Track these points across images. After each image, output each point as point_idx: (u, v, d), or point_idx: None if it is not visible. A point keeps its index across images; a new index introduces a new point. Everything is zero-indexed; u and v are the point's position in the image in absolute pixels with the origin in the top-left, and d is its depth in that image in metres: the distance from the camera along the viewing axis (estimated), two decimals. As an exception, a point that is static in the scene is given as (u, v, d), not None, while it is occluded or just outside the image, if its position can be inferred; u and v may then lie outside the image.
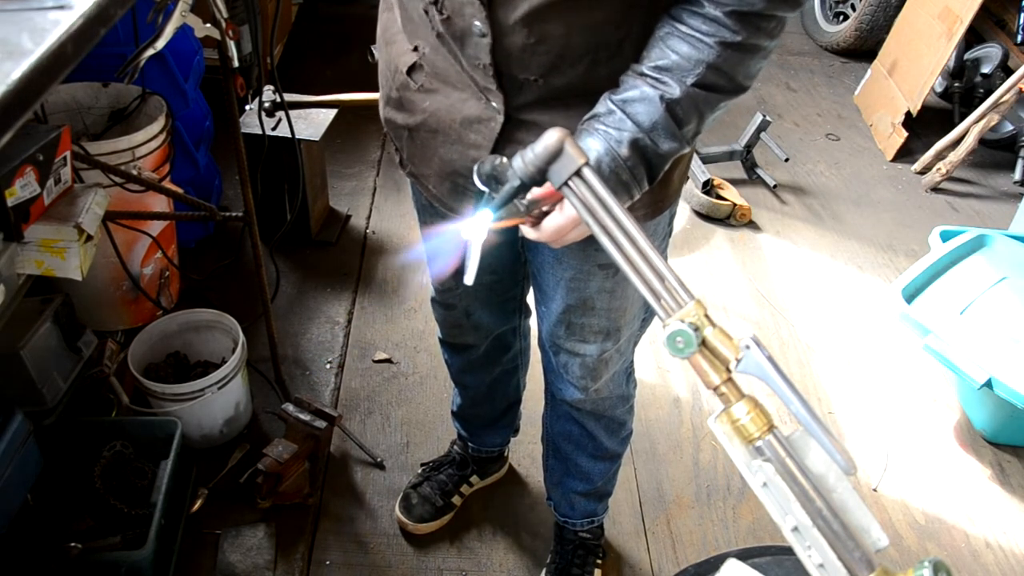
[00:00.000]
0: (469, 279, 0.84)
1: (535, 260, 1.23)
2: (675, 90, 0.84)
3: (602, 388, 1.34)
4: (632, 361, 1.40)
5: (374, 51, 2.32)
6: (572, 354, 1.29)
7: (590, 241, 1.03)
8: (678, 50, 0.84)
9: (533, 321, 1.60)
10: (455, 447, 1.78)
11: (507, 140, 0.98)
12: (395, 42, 1.07)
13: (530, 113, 0.97)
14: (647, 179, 0.89)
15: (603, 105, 0.88)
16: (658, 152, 0.87)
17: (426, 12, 0.94)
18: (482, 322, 1.46)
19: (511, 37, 0.89)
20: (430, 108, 1.03)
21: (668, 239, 1.22)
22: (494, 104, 0.97)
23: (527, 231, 0.91)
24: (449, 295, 1.41)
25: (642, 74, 0.86)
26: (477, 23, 0.88)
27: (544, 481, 1.65)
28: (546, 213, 0.89)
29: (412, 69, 1.03)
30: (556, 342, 1.29)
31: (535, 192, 0.86)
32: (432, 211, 1.25)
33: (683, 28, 0.83)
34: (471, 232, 0.82)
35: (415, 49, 1.02)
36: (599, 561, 1.66)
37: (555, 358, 1.33)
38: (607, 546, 1.74)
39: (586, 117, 0.90)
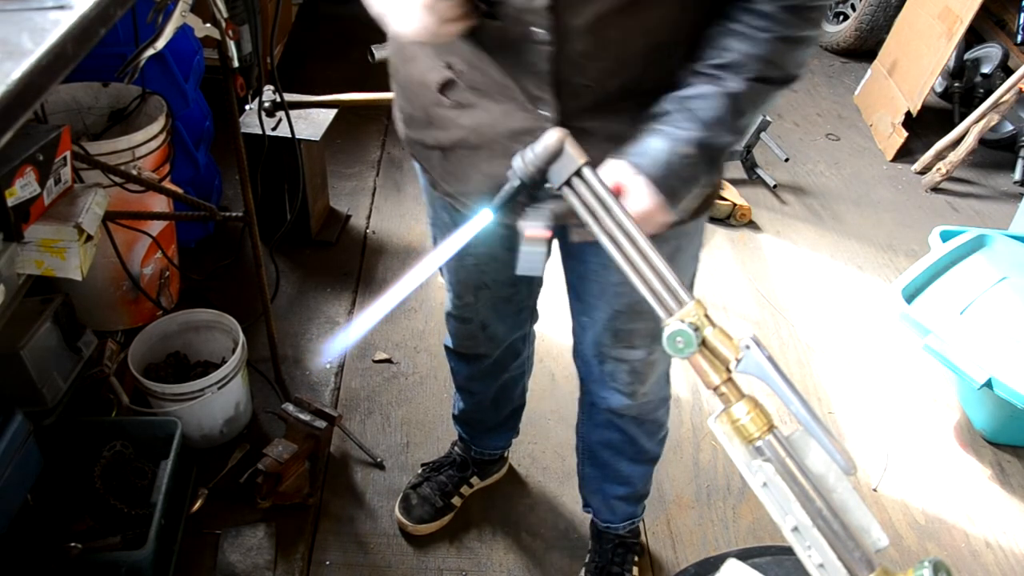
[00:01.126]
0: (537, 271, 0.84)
1: (578, 269, 1.22)
2: (735, 86, 0.86)
3: (648, 391, 1.35)
4: (671, 360, 1.40)
5: (374, 51, 2.32)
6: (619, 361, 1.28)
7: (583, 234, 1.04)
8: (735, 47, 0.86)
9: (544, 327, 1.60)
10: (455, 448, 1.78)
11: None
12: (416, 59, 1.05)
13: (581, 120, 0.95)
14: (707, 175, 0.92)
15: (667, 104, 0.89)
16: (720, 147, 0.89)
17: (473, 29, 0.92)
18: (497, 333, 1.45)
19: (572, 43, 0.89)
20: (470, 124, 1.02)
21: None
22: (543, 112, 0.96)
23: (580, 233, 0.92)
24: (466, 309, 1.40)
25: (702, 72, 0.88)
26: (538, 30, 0.87)
27: (580, 490, 1.65)
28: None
29: (445, 86, 1.01)
30: (602, 351, 1.28)
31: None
32: (455, 229, 1.23)
33: (738, 25, 0.85)
34: (470, 233, 0.82)
35: (448, 67, 1.00)
36: (637, 559, 1.67)
37: (600, 367, 1.32)
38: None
39: (651, 117, 0.91)
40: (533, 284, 1.39)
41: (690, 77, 0.89)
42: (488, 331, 1.44)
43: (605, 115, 0.96)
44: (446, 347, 1.58)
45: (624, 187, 0.88)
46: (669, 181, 0.88)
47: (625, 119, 0.94)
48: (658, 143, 0.88)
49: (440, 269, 1.39)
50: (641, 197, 0.88)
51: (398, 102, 1.15)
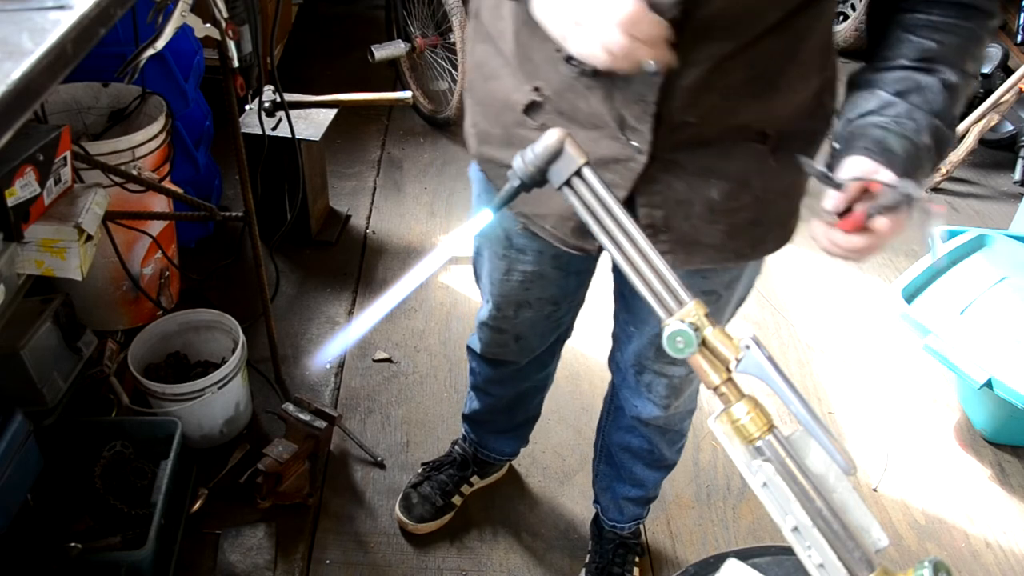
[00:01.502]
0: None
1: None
2: (951, 76, 0.83)
3: (681, 404, 1.35)
4: None
5: (374, 51, 2.31)
6: (660, 375, 1.28)
7: (696, 264, 1.03)
8: (939, 39, 0.83)
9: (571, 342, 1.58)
10: (456, 447, 1.78)
11: (648, 180, 0.95)
12: (498, 77, 1.03)
13: (673, 153, 0.93)
14: (933, 171, 0.89)
15: (874, 99, 0.86)
16: (948, 140, 0.85)
17: (568, 59, 0.89)
18: (529, 344, 1.44)
19: (684, 78, 0.85)
20: None
21: None
22: (635, 143, 0.92)
23: (826, 235, 0.85)
24: (504, 322, 1.38)
25: (906, 67, 0.84)
26: (652, 61, 0.82)
27: (593, 485, 1.65)
28: (841, 214, 0.84)
29: (530, 107, 0.99)
30: (643, 362, 1.28)
31: (842, 192, 0.82)
32: (508, 244, 1.22)
33: (935, 17, 0.83)
34: (468, 236, 0.81)
35: (535, 89, 0.97)
36: (637, 559, 1.67)
37: (638, 377, 1.31)
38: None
39: (855, 114, 0.87)
40: (574, 302, 1.37)
41: (893, 72, 0.85)
42: (521, 342, 1.42)
43: (697, 148, 0.93)
44: (470, 349, 1.55)
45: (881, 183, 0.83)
46: (915, 175, 0.83)
47: (714, 153, 0.92)
48: (893, 137, 0.83)
49: (476, 278, 1.38)
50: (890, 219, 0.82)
51: (473, 118, 1.12)
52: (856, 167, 0.84)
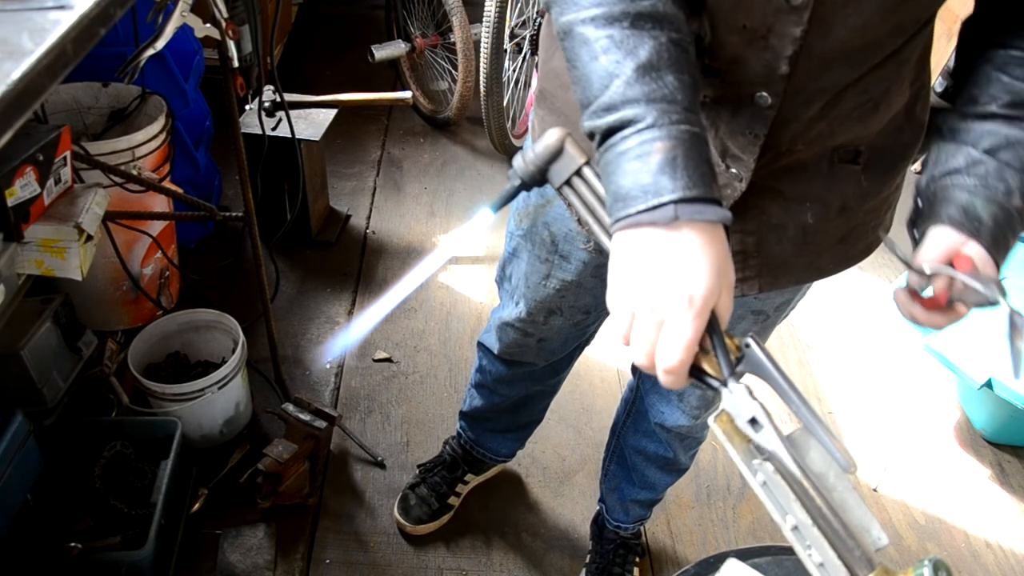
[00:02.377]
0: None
1: None
2: None
3: (708, 415, 1.33)
4: None
5: (374, 51, 2.30)
6: (696, 386, 1.26)
7: (781, 287, 1.00)
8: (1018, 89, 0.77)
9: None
10: (446, 448, 1.78)
11: (743, 206, 0.90)
12: None
13: (772, 180, 0.89)
14: None
15: (961, 156, 0.80)
16: None
17: None
18: (551, 348, 1.41)
19: (798, 110, 0.81)
20: None
21: None
22: (733, 170, 0.87)
23: (907, 306, 0.84)
24: (532, 326, 1.34)
25: (996, 115, 0.79)
26: (764, 94, 0.79)
27: (600, 484, 1.65)
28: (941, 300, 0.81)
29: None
30: None
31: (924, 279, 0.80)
32: (553, 249, 1.18)
33: (1008, 66, 0.78)
34: (469, 236, 0.81)
35: None
36: (638, 560, 1.67)
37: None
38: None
39: (939, 171, 0.82)
40: (604, 312, 1.33)
41: (980, 122, 0.80)
42: (543, 344, 1.39)
43: (796, 173, 0.89)
44: (483, 346, 1.51)
45: (968, 258, 0.78)
46: (1004, 242, 0.79)
47: (811, 176, 0.88)
48: (981, 203, 0.78)
49: (502, 279, 1.36)
50: (989, 267, 0.79)
51: (543, 127, 1.07)
52: (941, 240, 0.80)
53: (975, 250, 0.79)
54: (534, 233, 1.21)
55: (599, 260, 1.13)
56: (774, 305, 1.13)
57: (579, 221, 1.08)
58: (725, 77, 0.80)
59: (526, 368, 1.49)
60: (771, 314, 1.14)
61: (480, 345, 1.53)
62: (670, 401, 1.32)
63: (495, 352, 1.48)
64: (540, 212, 1.19)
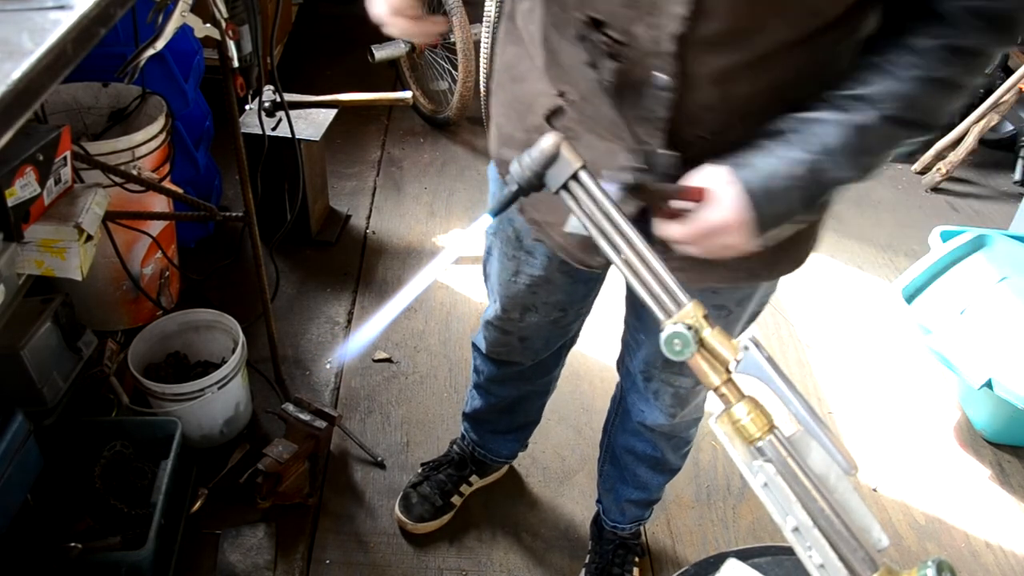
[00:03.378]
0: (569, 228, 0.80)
1: None
2: (868, 118, 0.79)
3: (687, 413, 1.34)
4: None
5: (374, 51, 2.32)
6: (667, 384, 1.28)
7: (708, 284, 1.02)
8: (875, 81, 0.79)
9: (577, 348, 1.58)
10: (454, 447, 1.78)
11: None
12: (526, 80, 1.02)
13: (688, 169, 0.90)
14: (810, 206, 0.85)
15: (783, 123, 0.83)
16: (833, 178, 0.82)
17: (592, 64, 0.88)
18: (534, 347, 1.44)
19: (695, 93, 0.84)
20: None
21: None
22: None
23: (664, 228, 0.86)
24: (509, 324, 1.37)
25: (834, 99, 0.81)
26: (661, 75, 0.83)
27: (597, 485, 1.65)
28: (677, 213, 0.84)
29: (553, 113, 0.98)
30: (651, 371, 1.28)
31: (685, 181, 0.83)
32: (518, 245, 1.21)
33: (884, 61, 0.79)
34: (469, 239, 0.81)
35: (560, 95, 0.96)
36: (637, 560, 1.67)
37: (646, 384, 1.31)
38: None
39: (763, 135, 0.85)
40: (582, 310, 1.36)
41: (818, 103, 0.82)
42: (526, 343, 1.42)
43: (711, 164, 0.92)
44: (475, 346, 1.55)
45: (712, 193, 0.82)
46: (765, 201, 0.81)
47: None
48: (765, 159, 0.82)
49: (484, 277, 1.38)
50: (726, 207, 0.81)
51: (497, 120, 1.11)
52: (708, 175, 0.84)
53: (727, 191, 0.82)
54: (501, 230, 1.24)
55: (561, 258, 1.13)
56: (734, 300, 1.13)
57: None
58: (621, 53, 0.84)
59: (514, 368, 1.50)
60: (733, 308, 1.14)
61: (473, 345, 1.56)
62: (647, 400, 1.33)
63: (484, 351, 1.51)
64: (518, 222, 1.20)
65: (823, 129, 0.80)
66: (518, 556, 1.71)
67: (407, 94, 2.31)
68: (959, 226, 2.26)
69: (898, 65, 0.78)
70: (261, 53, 1.51)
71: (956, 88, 0.80)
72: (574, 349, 1.55)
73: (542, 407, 1.69)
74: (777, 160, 0.81)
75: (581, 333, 1.49)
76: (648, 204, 0.84)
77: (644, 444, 1.45)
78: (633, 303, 1.27)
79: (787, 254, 1.04)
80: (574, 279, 1.24)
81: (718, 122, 0.87)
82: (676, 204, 0.84)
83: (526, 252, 1.21)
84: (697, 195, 0.83)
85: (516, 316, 1.34)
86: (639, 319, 1.26)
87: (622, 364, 1.38)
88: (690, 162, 0.88)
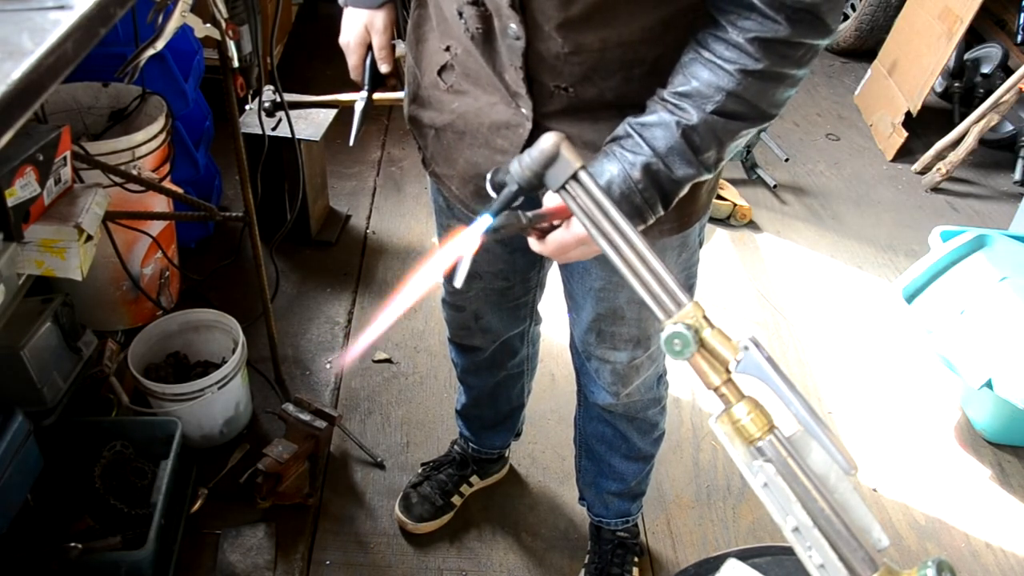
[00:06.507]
0: (459, 282, 0.83)
1: (565, 268, 1.23)
2: (692, 116, 0.82)
3: (633, 392, 1.35)
4: (664, 366, 1.39)
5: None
6: (603, 360, 1.29)
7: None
8: (699, 76, 0.82)
9: (544, 327, 1.61)
10: (455, 447, 1.79)
11: None
12: (427, 40, 1.07)
13: (558, 122, 0.96)
14: (661, 204, 0.87)
15: (622, 128, 0.87)
16: (672, 178, 0.85)
17: (460, 13, 0.93)
18: (491, 326, 1.46)
19: (545, 43, 0.89)
20: (459, 110, 1.03)
21: (699, 249, 1.21)
22: (523, 110, 0.97)
23: (532, 243, 0.90)
24: (459, 297, 1.41)
25: (663, 99, 0.85)
26: (512, 25, 0.88)
27: (577, 482, 1.66)
28: (552, 227, 0.87)
29: (443, 69, 1.03)
30: (588, 348, 1.29)
31: (545, 206, 0.86)
32: (449, 213, 1.25)
33: (706, 54, 0.82)
34: (470, 238, 0.81)
35: (447, 49, 1.02)
36: (636, 560, 1.67)
37: (587, 363, 1.33)
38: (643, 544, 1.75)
39: (607, 140, 0.88)
40: (529, 282, 1.39)
41: (653, 103, 0.86)
42: (481, 322, 1.44)
43: (582, 122, 0.96)
44: (447, 337, 1.59)
45: (565, 210, 0.84)
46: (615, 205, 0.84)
47: (603, 129, 0.92)
48: (609, 165, 0.85)
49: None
50: (575, 223, 0.84)
51: (407, 79, 1.16)
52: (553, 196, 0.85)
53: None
54: (435, 204, 1.29)
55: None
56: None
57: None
58: (484, 6, 0.89)
59: (480, 355, 1.53)
60: None
61: (447, 337, 1.59)
62: (592, 379, 1.35)
63: (449, 337, 1.55)
64: (430, 178, 1.24)
65: (652, 133, 0.84)
66: (518, 556, 1.71)
67: (407, 94, 2.31)
68: (959, 226, 2.26)
69: (721, 58, 0.81)
70: (261, 53, 1.51)
71: (780, 78, 0.82)
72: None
73: (522, 390, 1.69)
74: (617, 166, 0.85)
75: (543, 313, 1.51)
76: (522, 232, 0.85)
77: (608, 428, 1.46)
78: (565, 283, 1.27)
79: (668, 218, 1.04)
80: (510, 248, 1.27)
81: (575, 75, 0.92)
82: (543, 225, 0.87)
83: (456, 220, 1.24)
84: (562, 213, 0.85)
85: (464, 288, 1.34)
86: (570, 296, 1.28)
87: (571, 346, 1.40)
88: (558, 115, 0.95)
